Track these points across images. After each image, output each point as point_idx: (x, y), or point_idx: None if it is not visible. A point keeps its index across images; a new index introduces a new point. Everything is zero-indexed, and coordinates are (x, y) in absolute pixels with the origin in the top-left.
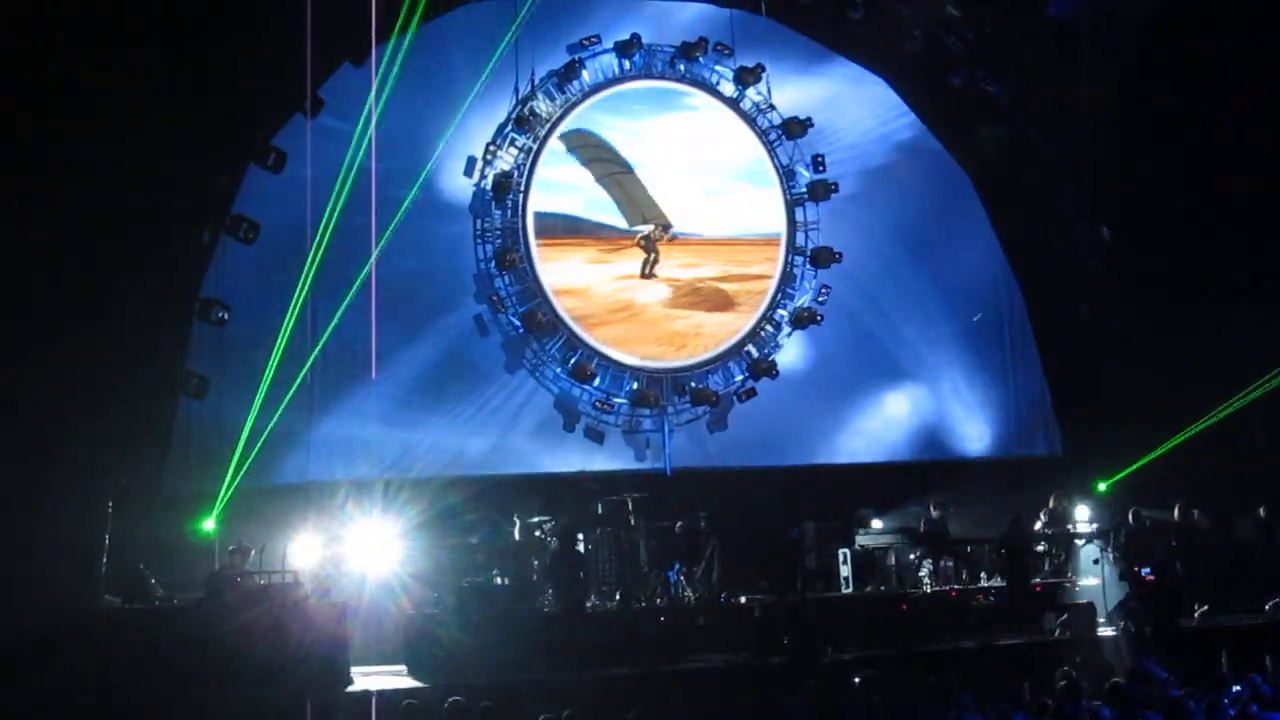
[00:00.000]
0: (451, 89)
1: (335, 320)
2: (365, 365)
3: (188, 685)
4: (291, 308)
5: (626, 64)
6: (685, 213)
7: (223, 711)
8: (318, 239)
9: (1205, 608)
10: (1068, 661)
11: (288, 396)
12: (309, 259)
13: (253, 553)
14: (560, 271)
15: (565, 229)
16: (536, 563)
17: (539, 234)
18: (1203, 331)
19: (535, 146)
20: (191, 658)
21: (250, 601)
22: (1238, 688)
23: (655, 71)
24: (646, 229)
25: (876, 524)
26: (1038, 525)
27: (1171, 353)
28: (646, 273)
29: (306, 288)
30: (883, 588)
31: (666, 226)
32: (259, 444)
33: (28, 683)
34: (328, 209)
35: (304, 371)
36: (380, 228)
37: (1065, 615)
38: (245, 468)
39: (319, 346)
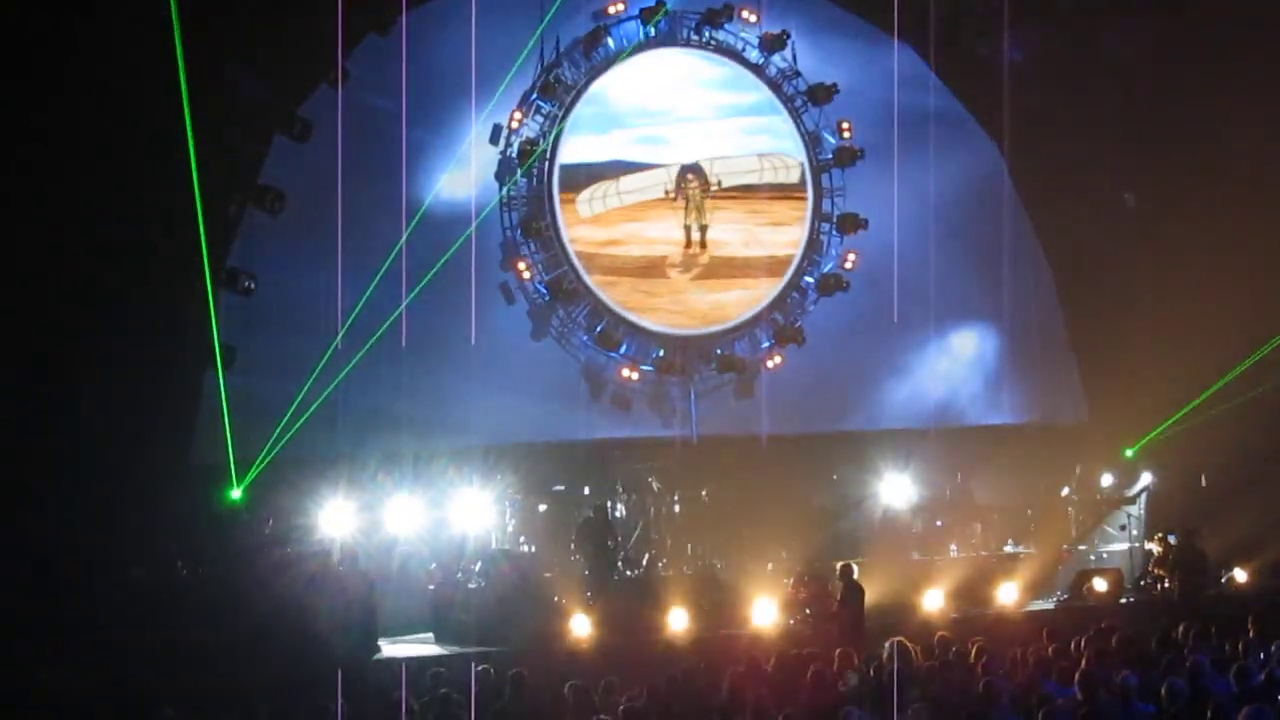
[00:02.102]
0: (478, 58)
1: (367, 292)
2: (393, 335)
3: (216, 655)
4: (319, 277)
5: (651, 30)
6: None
7: (251, 680)
8: (343, 209)
9: (1232, 573)
10: (1095, 627)
11: (317, 367)
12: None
13: (270, 522)
14: (588, 231)
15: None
16: (564, 531)
17: (565, 189)
18: (1229, 298)
19: (561, 114)
20: (220, 628)
21: (280, 571)
22: (1264, 654)
23: (680, 38)
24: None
25: (898, 491)
26: (1065, 491)
27: (1198, 318)
28: (692, 240)
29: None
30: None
31: (694, 169)
32: (287, 414)
33: (56, 656)
34: (354, 178)
35: (335, 342)
36: (408, 197)
37: (1092, 581)
38: (273, 438)
39: (351, 317)
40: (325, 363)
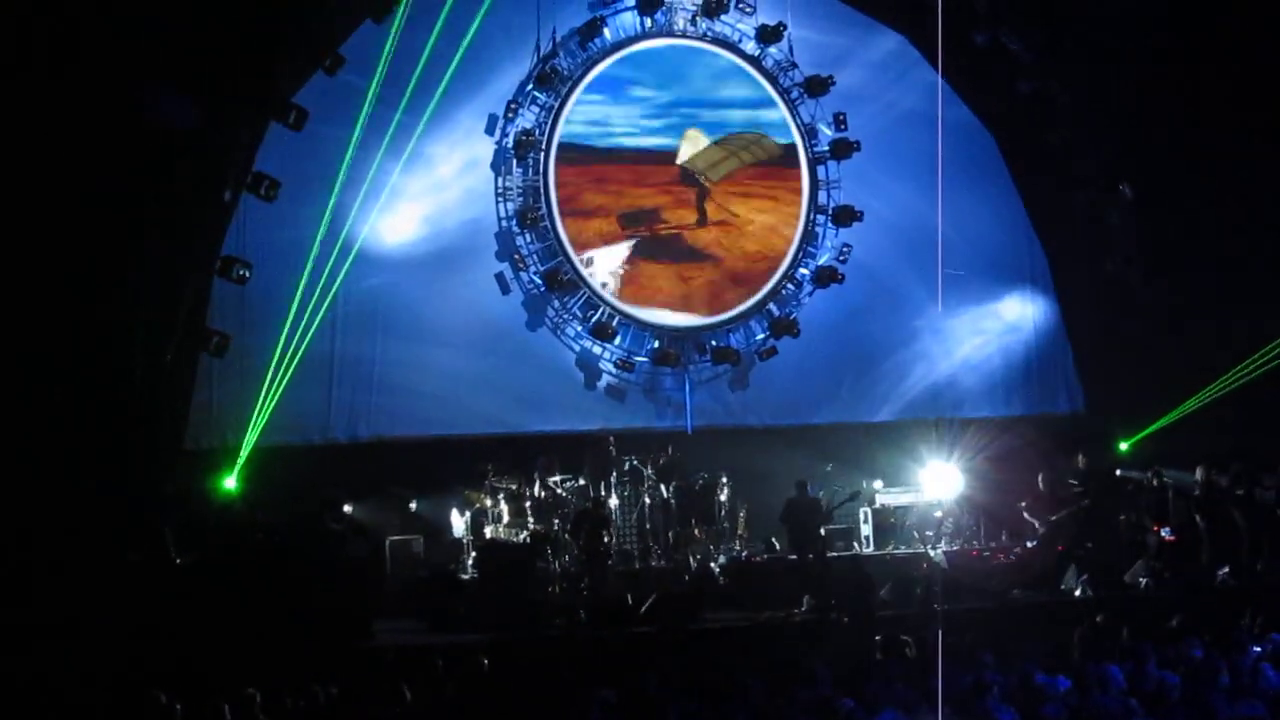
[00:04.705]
0: (473, 47)
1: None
2: (385, 324)
3: (215, 638)
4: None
5: (648, 21)
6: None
7: (245, 664)
8: (337, 196)
9: (1227, 568)
10: (1088, 621)
11: (304, 353)
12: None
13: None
14: (583, 204)
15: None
16: (558, 522)
17: (562, 162)
18: (1226, 289)
19: (557, 105)
20: (218, 611)
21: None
22: (1259, 648)
23: (677, 29)
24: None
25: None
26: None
27: (1194, 311)
28: (702, 221)
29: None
30: (902, 547)
31: (690, 160)
32: (280, 402)
33: (54, 645)
34: (347, 166)
35: (316, 322)
36: (401, 186)
37: (1086, 574)
38: (266, 426)
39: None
40: (318, 352)
